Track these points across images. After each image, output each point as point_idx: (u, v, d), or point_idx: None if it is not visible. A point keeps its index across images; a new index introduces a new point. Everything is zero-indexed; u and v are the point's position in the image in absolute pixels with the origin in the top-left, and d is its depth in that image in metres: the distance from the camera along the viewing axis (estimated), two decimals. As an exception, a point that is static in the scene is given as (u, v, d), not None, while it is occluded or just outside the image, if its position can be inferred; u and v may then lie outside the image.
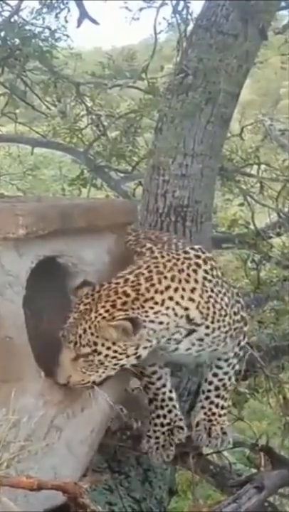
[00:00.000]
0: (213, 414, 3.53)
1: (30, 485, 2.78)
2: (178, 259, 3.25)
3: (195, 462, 3.43)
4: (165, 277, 3.16)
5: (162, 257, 3.25)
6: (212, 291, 3.26)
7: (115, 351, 3.04)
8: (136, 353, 3.08)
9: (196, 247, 3.43)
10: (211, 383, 3.56)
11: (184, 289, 3.19)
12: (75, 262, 3.38)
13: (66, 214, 3.29)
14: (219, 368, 3.54)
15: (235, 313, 3.40)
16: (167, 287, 3.14)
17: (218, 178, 5.69)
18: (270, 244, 5.74)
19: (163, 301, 3.13)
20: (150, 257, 3.27)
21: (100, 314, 3.05)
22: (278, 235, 6.10)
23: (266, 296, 5.38)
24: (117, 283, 3.13)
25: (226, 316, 3.31)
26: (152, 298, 3.11)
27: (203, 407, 3.55)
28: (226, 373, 3.56)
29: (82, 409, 3.21)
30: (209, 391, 3.55)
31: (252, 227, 5.89)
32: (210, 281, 3.27)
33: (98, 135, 5.92)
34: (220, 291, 3.30)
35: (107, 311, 3.05)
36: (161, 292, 3.13)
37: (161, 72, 5.59)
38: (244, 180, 6.33)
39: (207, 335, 3.29)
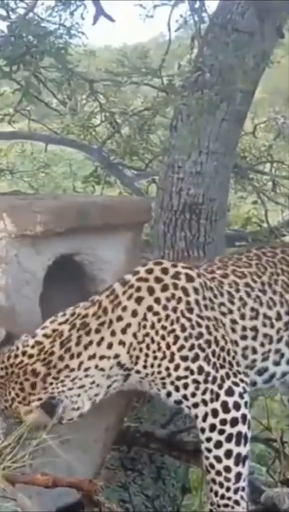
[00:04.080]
0: None
1: (45, 482, 2.79)
2: (123, 293, 2.90)
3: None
4: (88, 332, 2.87)
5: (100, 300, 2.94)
6: (152, 326, 2.86)
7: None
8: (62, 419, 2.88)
9: (167, 264, 2.97)
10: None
11: (113, 333, 2.87)
12: (92, 260, 3.37)
13: (83, 212, 3.29)
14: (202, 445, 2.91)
15: (186, 359, 2.85)
16: (88, 345, 2.86)
17: (232, 176, 5.67)
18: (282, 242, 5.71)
19: (80, 364, 2.85)
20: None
21: (13, 398, 2.85)
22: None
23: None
24: (22, 361, 2.86)
25: (163, 359, 2.86)
26: (67, 366, 2.85)
27: None
28: (208, 450, 2.87)
29: (96, 406, 3.20)
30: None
31: (265, 225, 5.87)
32: (156, 313, 2.87)
33: (112, 132, 5.89)
34: (165, 328, 2.85)
35: (17, 395, 2.84)
36: (79, 355, 2.85)
37: (178, 69, 5.55)
38: (257, 178, 6.31)
39: (142, 378, 2.94)
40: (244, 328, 2.99)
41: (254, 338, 3.00)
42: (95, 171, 6.21)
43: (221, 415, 2.85)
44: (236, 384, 2.88)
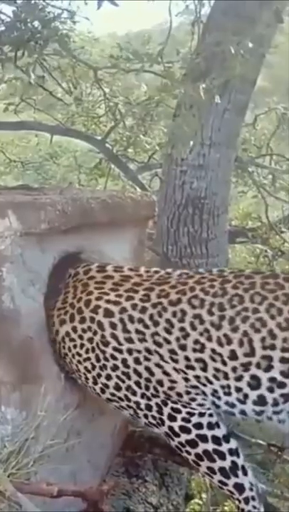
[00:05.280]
0: None
1: (50, 492, 2.71)
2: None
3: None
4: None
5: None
6: (69, 350, 2.99)
7: None
8: None
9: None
10: None
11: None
12: (97, 257, 3.27)
13: (88, 208, 3.18)
14: None
15: (107, 387, 2.92)
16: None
17: (232, 169, 5.56)
18: (283, 238, 5.64)
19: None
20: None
21: None
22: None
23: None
24: None
25: (87, 380, 2.97)
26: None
27: None
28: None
29: (102, 412, 3.12)
30: None
31: (264, 220, 5.77)
32: (72, 340, 2.99)
33: (116, 123, 5.74)
34: (80, 355, 2.95)
35: None
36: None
37: (177, 55, 5.42)
38: (257, 172, 6.19)
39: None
40: (187, 359, 2.83)
41: (204, 370, 2.83)
42: (99, 163, 6.06)
43: (176, 439, 2.88)
44: (177, 410, 2.86)
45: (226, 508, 3.78)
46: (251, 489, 2.89)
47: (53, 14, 4.20)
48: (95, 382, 2.95)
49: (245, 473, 2.88)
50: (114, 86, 5.61)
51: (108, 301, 2.94)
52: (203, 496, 3.83)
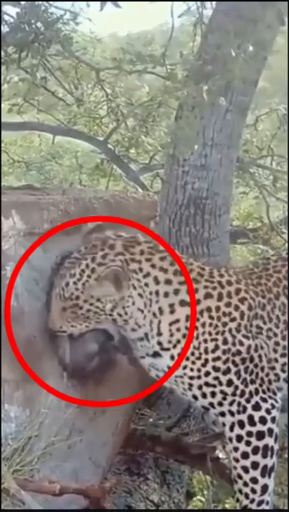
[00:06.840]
0: None
1: (52, 489, 2.74)
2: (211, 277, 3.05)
3: (213, 465, 3.36)
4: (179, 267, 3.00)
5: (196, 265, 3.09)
6: (203, 325, 2.96)
7: (97, 307, 2.93)
8: (111, 314, 2.95)
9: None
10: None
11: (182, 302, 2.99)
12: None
13: (90, 208, 3.21)
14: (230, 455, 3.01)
15: (218, 370, 2.95)
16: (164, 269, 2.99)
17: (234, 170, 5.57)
18: (284, 239, 5.66)
19: (148, 273, 2.96)
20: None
21: (83, 270, 2.93)
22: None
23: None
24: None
25: (198, 359, 2.96)
26: (139, 262, 2.96)
27: None
28: (236, 460, 2.95)
29: (104, 410, 3.14)
30: None
31: (265, 220, 5.79)
32: (211, 317, 2.98)
33: (118, 123, 5.77)
34: (210, 333, 2.96)
35: (87, 265, 2.93)
36: (153, 266, 2.97)
37: (180, 58, 5.43)
38: (258, 172, 6.21)
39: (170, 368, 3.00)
40: (284, 347, 3.03)
41: None
42: (101, 164, 6.09)
43: (247, 427, 2.95)
44: (264, 400, 2.98)
45: (227, 505, 3.81)
46: (269, 495, 2.97)
47: (55, 15, 4.23)
48: (205, 364, 2.96)
49: (272, 477, 2.98)
50: (116, 87, 5.63)
51: (251, 297, 3.05)
52: (205, 492, 3.86)
